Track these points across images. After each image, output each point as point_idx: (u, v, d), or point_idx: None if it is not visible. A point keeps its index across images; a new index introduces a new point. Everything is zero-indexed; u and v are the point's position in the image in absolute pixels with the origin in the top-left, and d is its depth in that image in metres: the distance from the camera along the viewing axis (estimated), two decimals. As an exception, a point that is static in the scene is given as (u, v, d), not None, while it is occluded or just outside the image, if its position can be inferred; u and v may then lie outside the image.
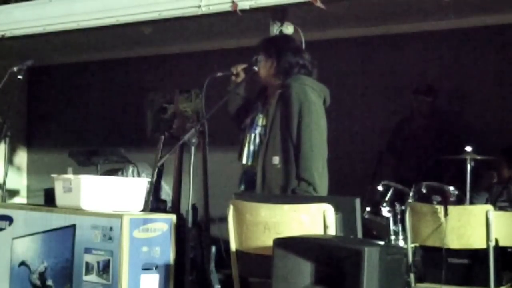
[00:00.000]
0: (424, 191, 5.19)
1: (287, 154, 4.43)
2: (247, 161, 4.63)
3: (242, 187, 4.69)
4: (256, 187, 4.52)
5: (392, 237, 5.20)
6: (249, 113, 4.75)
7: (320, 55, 4.79)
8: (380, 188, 5.38)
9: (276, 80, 4.63)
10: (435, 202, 5.01)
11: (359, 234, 3.94)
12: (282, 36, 5.47)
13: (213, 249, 4.21)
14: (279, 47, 4.68)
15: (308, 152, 4.39)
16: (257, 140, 4.61)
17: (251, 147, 4.62)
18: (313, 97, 4.49)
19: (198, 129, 4.26)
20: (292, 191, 4.38)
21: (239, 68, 4.76)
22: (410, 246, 4.97)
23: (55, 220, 4.47)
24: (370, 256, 3.20)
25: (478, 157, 5.64)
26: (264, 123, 4.60)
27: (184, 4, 6.00)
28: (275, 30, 5.77)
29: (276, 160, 4.46)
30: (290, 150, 4.43)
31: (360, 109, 7.46)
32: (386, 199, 5.30)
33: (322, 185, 4.44)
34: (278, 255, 3.50)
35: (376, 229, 5.38)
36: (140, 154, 7.55)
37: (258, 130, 4.62)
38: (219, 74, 4.72)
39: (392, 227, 5.22)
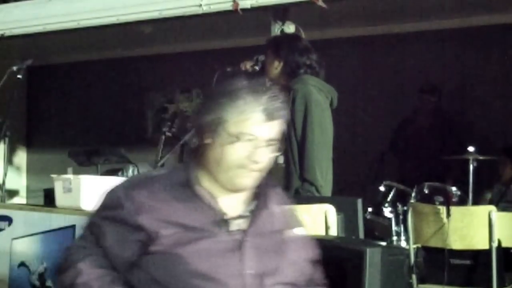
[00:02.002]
0: (426, 191, 5.17)
1: (291, 154, 4.40)
2: None
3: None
4: None
5: (394, 238, 5.18)
6: None
7: (322, 55, 4.76)
8: (382, 188, 5.36)
9: (282, 79, 4.60)
10: (437, 203, 4.99)
11: (361, 235, 3.93)
12: (290, 35, 5.43)
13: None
14: (287, 46, 4.64)
15: (311, 152, 4.36)
16: None
17: None
18: (319, 98, 4.46)
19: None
20: (295, 191, 4.35)
21: (248, 65, 4.74)
22: (412, 247, 4.94)
23: (55, 220, 4.44)
24: (372, 257, 3.18)
25: (481, 158, 5.61)
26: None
27: (185, 3, 5.99)
28: (276, 29, 5.76)
29: (281, 159, 4.44)
30: (294, 150, 4.40)
31: (362, 108, 7.44)
32: (388, 199, 5.28)
33: (326, 186, 4.41)
34: (280, 256, 3.47)
35: (378, 230, 5.36)
36: (141, 154, 7.52)
37: None
38: (228, 69, 4.71)
39: (394, 227, 5.20)
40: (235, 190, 2.23)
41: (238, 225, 2.22)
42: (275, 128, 2.21)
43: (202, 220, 2.18)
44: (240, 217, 2.24)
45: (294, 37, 5.12)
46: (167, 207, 2.17)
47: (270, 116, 2.18)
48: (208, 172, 2.24)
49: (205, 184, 2.23)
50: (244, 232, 2.21)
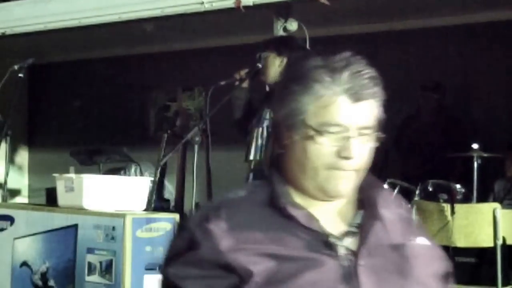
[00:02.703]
0: (430, 189, 5.15)
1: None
2: (255, 156, 4.59)
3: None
4: None
5: (398, 236, 5.16)
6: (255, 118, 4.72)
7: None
8: (385, 186, 5.33)
9: None
10: (441, 200, 4.98)
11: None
12: (286, 36, 5.49)
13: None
14: (290, 44, 4.67)
15: None
16: (265, 134, 4.57)
17: (259, 142, 4.59)
18: None
19: (201, 127, 4.22)
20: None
21: (242, 73, 4.74)
22: (417, 245, 4.92)
23: (57, 220, 4.42)
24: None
25: (485, 155, 5.59)
26: (272, 115, 4.56)
27: (187, 1, 5.98)
28: (279, 27, 5.75)
29: None
30: None
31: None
32: (392, 197, 5.25)
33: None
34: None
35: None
36: (143, 153, 7.51)
37: (265, 123, 4.58)
38: (222, 83, 4.70)
39: (398, 225, 5.18)
40: (329, 199, 1.75)
41: (346, 245, 1.73)
42: (365, 112, 1.72)
43: (300, 247, 1.69)
44: (346, 234, 1.75)
45: (290, 36, 5.22)
46: (254, 237, 1.70)
47: (356, 96, 1.71)
48: (294, 183, 1.75)
49: (296, 200, 1.75)
50: (355, 253, 1.72)
